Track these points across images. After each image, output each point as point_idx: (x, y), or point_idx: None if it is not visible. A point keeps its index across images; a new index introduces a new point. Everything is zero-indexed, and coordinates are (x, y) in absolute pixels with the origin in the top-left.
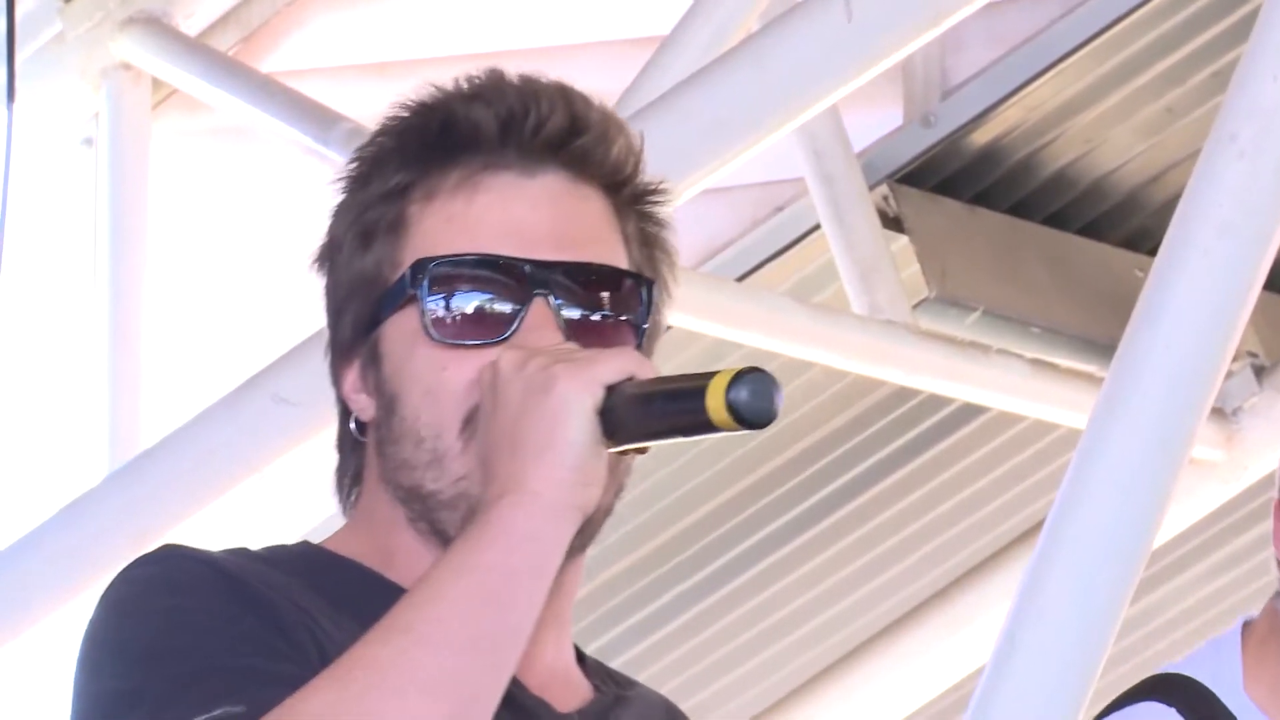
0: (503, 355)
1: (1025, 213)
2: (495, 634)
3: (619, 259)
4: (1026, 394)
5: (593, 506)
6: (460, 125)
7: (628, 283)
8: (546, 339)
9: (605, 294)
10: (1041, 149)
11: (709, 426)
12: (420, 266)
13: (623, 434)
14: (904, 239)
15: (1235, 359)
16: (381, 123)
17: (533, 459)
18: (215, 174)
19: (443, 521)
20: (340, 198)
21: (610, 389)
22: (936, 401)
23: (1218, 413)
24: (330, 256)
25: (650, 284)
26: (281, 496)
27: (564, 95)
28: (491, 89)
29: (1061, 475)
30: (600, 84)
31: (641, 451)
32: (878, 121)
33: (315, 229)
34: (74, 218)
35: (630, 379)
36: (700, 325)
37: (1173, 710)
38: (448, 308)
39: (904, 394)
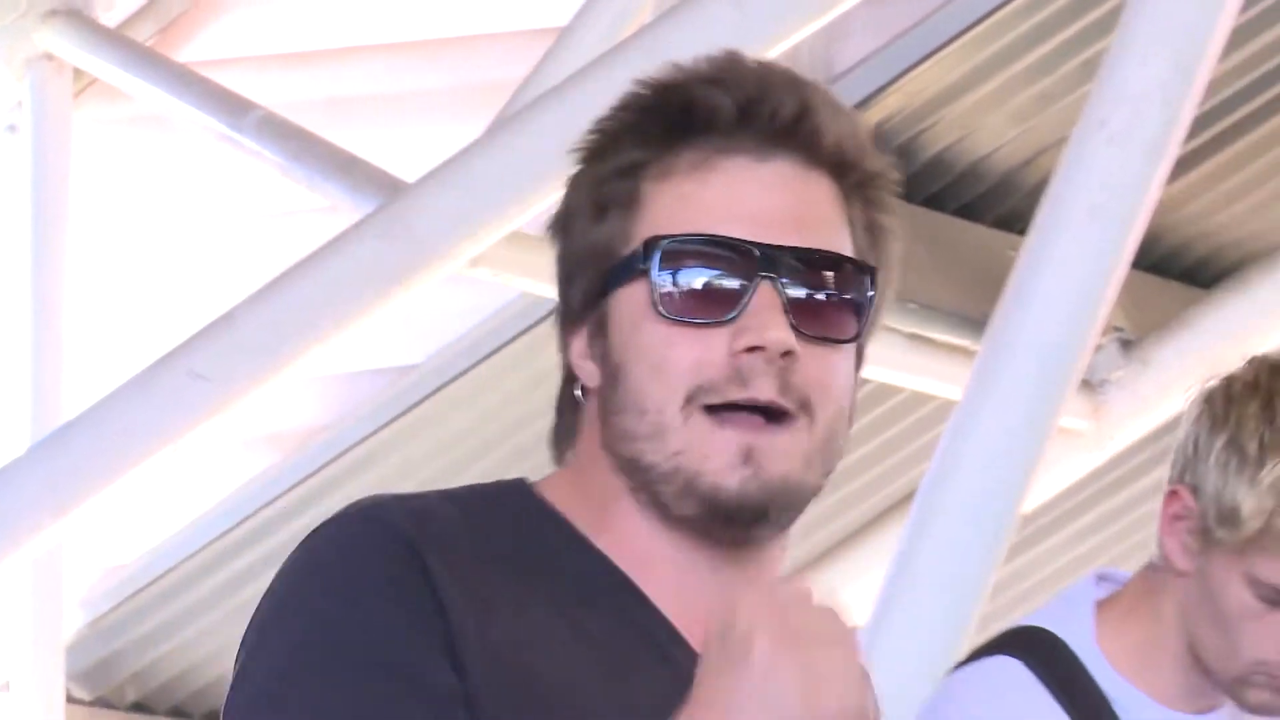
0: (759, 619)
1: (905, 195)
2: None
3: (844, 245)
4: (904, 367)
5: None
6: (699, 108)
7: (852, 268)
8: (772, 321)
9: (831, 278)
10: (920, 134)
11: None
12: (652, 243)
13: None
14: None
15: (1103, 334)
16: (622, 98)
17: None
18: (134, 159)
19: (662, 494)
20: (578, 168)
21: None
22: None
23: (1085, 385)
24: (565, 225)
25: (874, 271)
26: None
27: (798, 83)
28: (730, 73)
29: (936, 444)
30: (504, 73)
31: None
32: None
33: (228, 212)
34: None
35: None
36: None
37: (1021, 663)
38: (676, 285)
39: None
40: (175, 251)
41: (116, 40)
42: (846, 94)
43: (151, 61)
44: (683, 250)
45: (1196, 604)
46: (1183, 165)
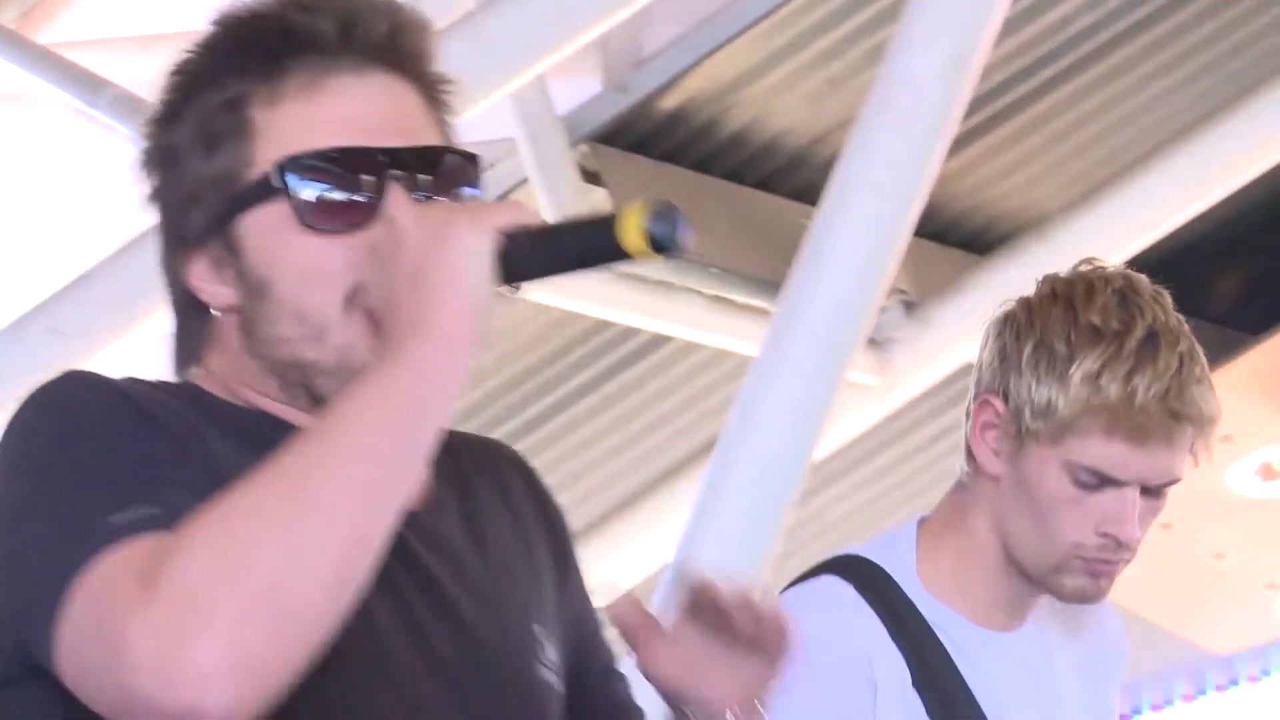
0: (400, 208)
1: (707, 168)
2: (408, 452)
3: (443, 141)
4: (706, 326)
5: (486, 338)
6: (300, 33)
7: (460, 160)
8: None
9: (445, 172)
10: (721, 113)
11: (620, 255)
12: (287, 164)
13: (517, 272)
14: (602, 191)
15: (887, 296)
16: (211, 32)
17: (438, 299)
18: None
19: (321, 387)
20: (169, 108)
21: (503, 234)
22: (629, 332)
23: (872, 343)
24: (166, 162)
25: (476, 159)
26: None
27: (384, 3)
28: (320, 2)
29: (736, 398)
30: None
31: (515, 290)
32: (579, 89)
33: (85, 181)
34: None
35: (519, 226)
36: None
37: (849, 585)
38: (317, 199)
39: (601, 326)
40: (37, 216)
41: None
42: (653, 76)
43: (15, 43)
44: (316, 165)
45: (1011, 503)
46: (960, 143)
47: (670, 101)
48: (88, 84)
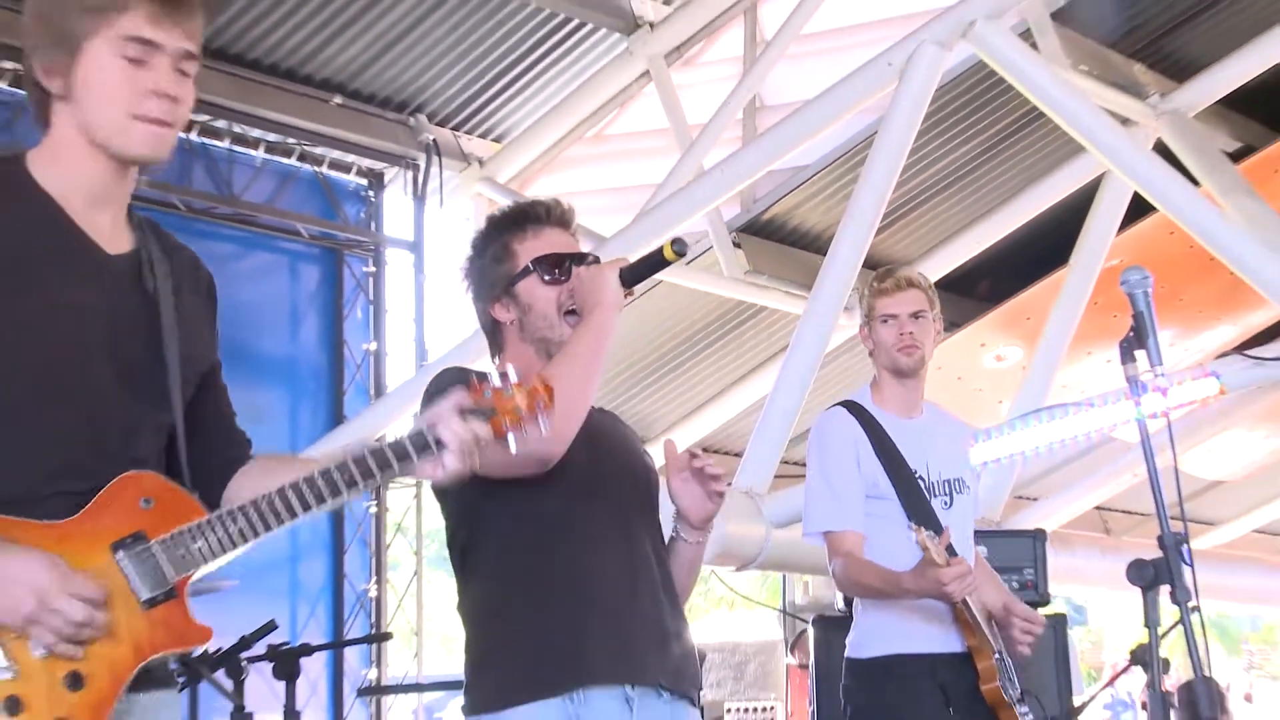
0: (582, 272)
1: (784, 241)
2: (599, 355)
3: (581, 249)
4: (787, 304)
5: (621, 311)
6: (531, 217)
7: (587, 256)
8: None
9: (583, 258)
10: (791, 219)
11: (665, 264)
12: (533, 262)
13: (630, 282)
14: (742, 252)
15: (853, 290)
16: (496, 219)
17: (602, 298)
18: None
19: (554, 350)
20: (478, 250)
21: (620, 269)
22: (755, 307)
23: (846, 309)
24: (479, 270)
25: (596, 256)
26: None
27: (559, 202)
28: (539, 202)
29: (795, 329)
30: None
31: (631, 293)
32: (731, 209)
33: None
34: (458, 244)
35: (626, 264)
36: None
37: (843, 408)
38: (549, 272)
39: (723, 301)
40: None
41: (503, 189)
42: (762, 205)
43: (519, 197)
44: (549, 260)
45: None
46: (880, 230)
47: (770, 214)
48: None
